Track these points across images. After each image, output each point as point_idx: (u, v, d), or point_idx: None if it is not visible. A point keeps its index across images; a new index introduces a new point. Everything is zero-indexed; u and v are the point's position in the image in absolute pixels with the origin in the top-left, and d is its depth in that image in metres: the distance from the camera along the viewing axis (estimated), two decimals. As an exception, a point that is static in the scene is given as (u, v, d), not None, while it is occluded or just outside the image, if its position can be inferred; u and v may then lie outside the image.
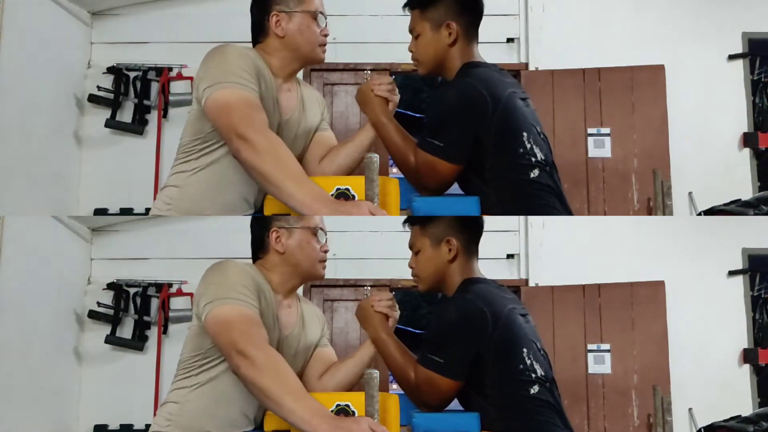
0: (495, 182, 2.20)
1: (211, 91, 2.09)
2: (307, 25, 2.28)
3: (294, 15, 2.27)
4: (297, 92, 2.37)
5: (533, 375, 2.20)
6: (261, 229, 2.27)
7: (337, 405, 2.10)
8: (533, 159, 2.21)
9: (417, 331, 6.74)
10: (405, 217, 2.35)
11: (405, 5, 2.39)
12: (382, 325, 2.32)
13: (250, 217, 2.31)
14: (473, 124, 2.18)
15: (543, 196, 2.23)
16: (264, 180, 2.03)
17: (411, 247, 2.41)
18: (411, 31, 2.38)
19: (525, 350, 2.20)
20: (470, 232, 2.34)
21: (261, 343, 2.00)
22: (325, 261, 2.32)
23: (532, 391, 2.18)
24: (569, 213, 2.30)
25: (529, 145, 2.21)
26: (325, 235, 2.31)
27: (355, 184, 2.15)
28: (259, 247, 2.27)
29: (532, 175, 2.21)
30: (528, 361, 2.20)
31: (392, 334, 2.31)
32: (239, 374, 1.98)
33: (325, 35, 2.34)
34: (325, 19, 2.32)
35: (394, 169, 5.64)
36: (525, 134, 2.22)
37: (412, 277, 2.42)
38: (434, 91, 2.15)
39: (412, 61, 2.40)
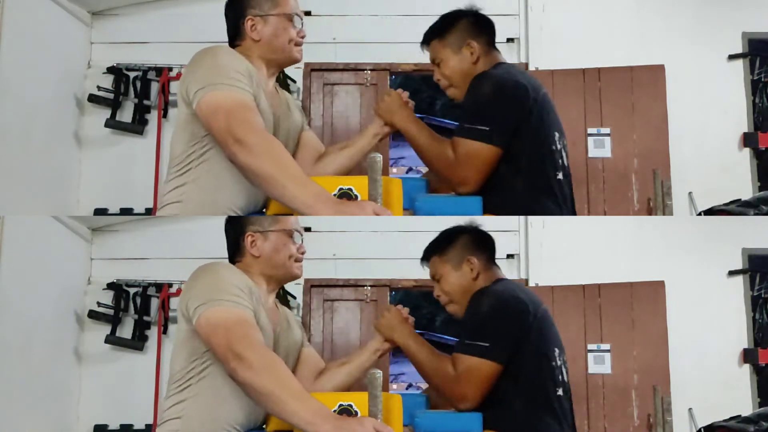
0: (528, 176, 2.21)
1: (204, 93, 2.04)
2: (283, 27, 2.23)
3: (269, 18, 2.23)
4: (280, 93, 2.35)
5: (560, 377, 2.21)
6: (236, 232, 2.23)
7: (340, 405, 2.09)
8: (560, 161, 2.24)
9: (417, 331, 6.74)
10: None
11: (423, 42, 2.39)
12: (411, 331, 2.35)
13: (247, 218, 2.29)
14: (515, 109, 2.20)
15: (560, 202, 2.26)
16: (264, 182, 2.00)
17: (433, 277, 2.41)
18: (433, 61, 2.37)
19: (556, 350, 2.25)
20: (486, 248, 2.39)
21: (258, 345, 1.97)
22: (301, 261, 2.27)
23: (557, 392, 2.20)
24: None
25: (559, 146, 2.25)
26: (302, 236, 2.28)
27: (358, 184, 2.14)
28: (236, 251, 2.24)
29: (557, 177, 2.23)
30: (558, 362, 2.24)
31: (420, 338, 2.34)
32: (236, 378, 1.95)
33: (302, 36, 2.27)
34: (301, 20, 2.27)
35: (395, 170, 5.63)
36: (557, 134, 2.26)
37: (444, 306, 2.41)
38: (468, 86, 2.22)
39: (445, 90, 2.38)
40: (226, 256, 2.32)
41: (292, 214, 2.20)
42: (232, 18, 2.27)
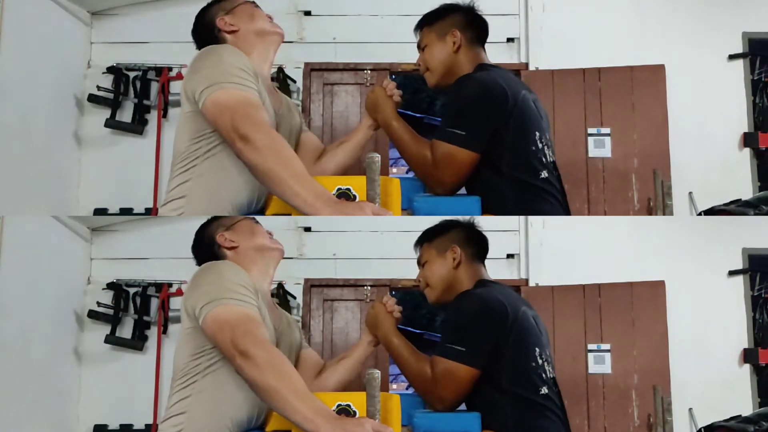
0: (511, 179, 2.24)
1: (210, 91, 2.06)
2: (250, 13, 2.31)
3: (234, 11, 2.30)
4: (279, 94, 2.39)
5: (544, 375, 2.23)
6: (207, 241, 2.28)
7: (338, 405, 2.10)
8: (544, 160, 2.26)
9: (417, 331, 6.75)
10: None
11: (416, 27, 2.45)
12: (393, 328, 2.37)
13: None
14: (493, 114, 2.23)
15: (549, 199, 2.28)
16: (268, 179, 2.02)
17: (419, 261, 2.47)
18: (419, 45, 2.44)
19: (537, 350, 2.26)
20: (475, 243, 2.43)
21: (263, 343, 1.98)
22: (272, 238, 2.33)
23: (542, 391, 2.21)
24: None
25: (540, 145, 2.27)
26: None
27: (357, 184, 2.15)
28: (214, 258, 2.26)
29: (542, 176, 2.25)
30: (540, 361, 2.25)
31: (402, 336, 2.36)
32: (243, 374, 1.97)
33: (270, 17, 2.35)
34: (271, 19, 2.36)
35: (394, 169, 5.64)
36: (537, 134, 2.28)
37: (422, 290, 2.46)
38: (451, 87, 2.36)
39: (423, 75, 2.44)
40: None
41: (290, 214, 2.20)
42: (204, 31, 2.32)
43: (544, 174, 2.27)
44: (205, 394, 2.09)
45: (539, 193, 2.27)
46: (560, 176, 2.36)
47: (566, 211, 2.36)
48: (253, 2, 2.35)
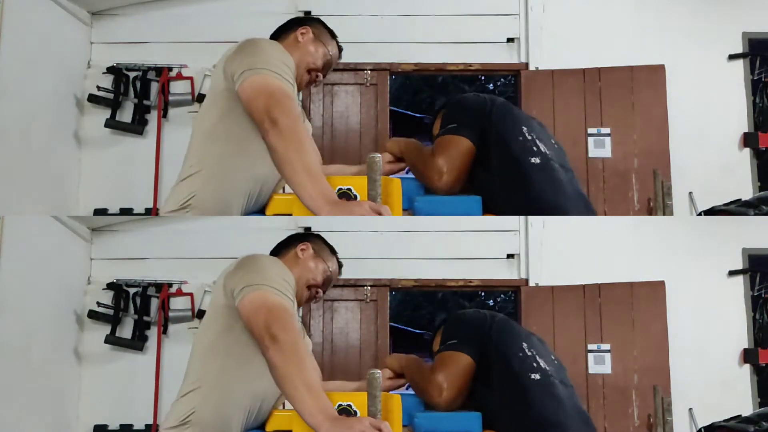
0: (499, 169, 2.42)
1: (250, 74, 2.15)
2: (316, 52, 2.44)
3: (317, 42, 2.45)
4: None
5: (534, 364, 2.39)
6: (297, 238, 2.50)
7: (339, 405, 2.12)
8: (534, 148, 2.43)
9: (417, 331, 6.76)
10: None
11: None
12: (408, 356, 2.65)
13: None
14: (477, 112, 2.49)
15: (542, 182, 2.42)
16: (283, 164, 2.10)
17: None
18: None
19: (525, 344, 2.49)
20: None
21: (293, 331, 2.07)
22: (313, 297, 2.49)
23: (532, 377, 2.40)
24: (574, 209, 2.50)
25: (530, 137, 2.46)
26: (327, 286, 2.55)
27: (358, 184, 2.18)
28: (285, 249, 2.46)
29: (532, 160, 2.43)
30: (529, 353, 2.46)
31: (414, 357, 2.64)
32: (266, 355, 2.06)
33: (316, 80, 2.47)
34: (324, 71, 2.49)
35: (394, 169, 5.63)
36: (525, 128, 2.48)
37: None
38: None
39: None
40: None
41: (291, 215, 2.24)
42: (293, 22, 2.50)
43: (536, 160, 2.43)
44: (223, 373, 2.16)
45: (529, 176, 2.41)
46: (567, 169, 2.52)
47: (575, 201, 2.49)
48: (330, 61, 2.49)
